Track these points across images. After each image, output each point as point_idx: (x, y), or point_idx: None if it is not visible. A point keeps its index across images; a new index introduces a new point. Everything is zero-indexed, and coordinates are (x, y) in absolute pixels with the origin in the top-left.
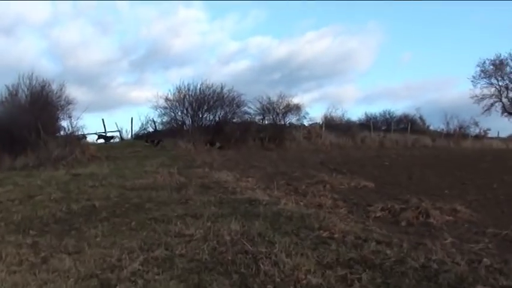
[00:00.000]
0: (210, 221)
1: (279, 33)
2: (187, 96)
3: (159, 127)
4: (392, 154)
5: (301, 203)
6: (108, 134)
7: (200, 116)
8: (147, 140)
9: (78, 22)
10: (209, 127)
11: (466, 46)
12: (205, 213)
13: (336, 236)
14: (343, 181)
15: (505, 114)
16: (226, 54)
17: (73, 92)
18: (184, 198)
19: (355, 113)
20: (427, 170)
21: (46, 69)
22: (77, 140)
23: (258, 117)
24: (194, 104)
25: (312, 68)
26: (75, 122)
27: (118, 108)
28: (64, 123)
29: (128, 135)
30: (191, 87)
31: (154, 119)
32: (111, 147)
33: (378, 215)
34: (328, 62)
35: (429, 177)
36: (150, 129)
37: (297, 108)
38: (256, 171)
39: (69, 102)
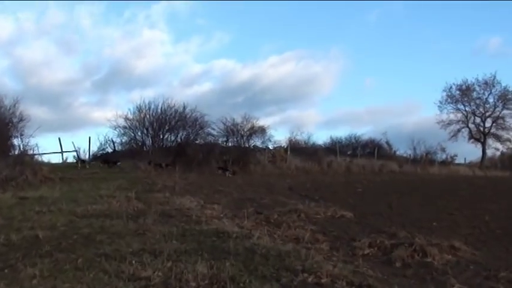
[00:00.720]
0: (171, 259)
1: (242, 56)
2: (147, 116)
3: (119, 148)
4: (362, 180)
5: (276, 236)
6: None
7: (161, 136)
8: (103, 161)
9: (42, 41)
10: (170, 148)
11: (428, 72)
12: (165, 249)
13: (323, 280)
14: (318, 210)
15: (472, 140)
16: (189, 76)
17: (34, 111)
18: (142, 228)
19: (319, 137)
20: (405, 198)
21: (7, 87)
22: (29, 159)
23: (221, 139)
24: (155, 124)
25: (274, 91)
26: (27, 141)
27: (80, 128)
28: (16, 141)
29: (85, 156)
30: (152, 106)
31: (114, 139)
32: (67, 168)
33: (366, 252)
34: (291, 86)
35: (410, 207)
36: (109, 150)
37: (262, 130)
38: (222, 196)
39: (22, 119)
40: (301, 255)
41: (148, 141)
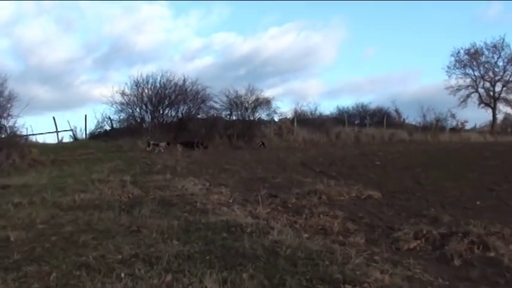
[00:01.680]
0: (171, 270)
1: (243, 29)
2: (146, 91)
3: (117, 125)
4: (377, 151)
5: (298, 226)
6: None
7: (161, 112)
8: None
9: (41, 20)
10: (171, 124)
11: (428, 40)
12: (164, 254)
13: None
14: (340, 190)
15: (482, 105)
16: (190, 50)
17: (36, 91)
18: (136, 223)
19: (324, 107)
20: (431, 171)
21: (8, 68)
22: (17, 141)
23: (224, 113)
24: (154, 99)
25: (276, 63)
26: (14, 121)
27: (82, 106)
28: (5, 122)
29: (82, 135)
30: (150, 80)
31: (111, 117)
32: (62, 148)
33: (412, 245)
34: (292, 57)
35: (440, 181)
36: (107, 127)
37: (267, 102)
38: (229, 176)
39: (11, 98)
40: (336, 257)
41: (148, 118)
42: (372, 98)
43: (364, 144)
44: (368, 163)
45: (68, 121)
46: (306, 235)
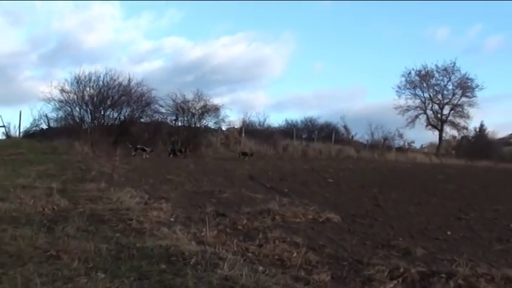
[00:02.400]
0: None
1: (194, 35)
2: (87, 89)
3: (54, 124)
4: (328, 167)
5: (251, 255)
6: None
7: (102, 113)
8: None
9: None
10: (112, 127)
11: (375, 59)
12: None
13: None
14: (295, 211)
15: (429, 127)
16: (139, 53)
17: None
18: (56, 247)
19: (274, 119)
20: (388, 192)
21: None
22: None
23: (170, 118)
24: (95, 99)
25: (225, 72)
26: None
27: (24, 103)
28: None
29: (15, 133)
30: (93, 78)
31: (48, 115)
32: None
33: (389, 286)
34: (241, 67)
35: (401, 205)
36: (44, 126)
37: (216, 109)
38: (171, 188)
39: None
40: None
41: (88, 118)
42: (318, 113)
43: (312, 159)
44: (320, 180)
45: (0, 116)
46: (261, 267)
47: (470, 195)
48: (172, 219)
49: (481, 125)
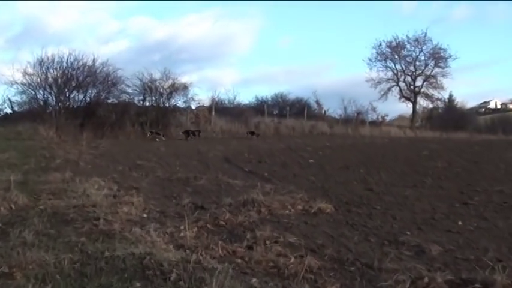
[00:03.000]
0: None
1: (160, 14)
2: (51, 71)
3: (18, 108)
4: (305, 146)
5: (239, 261)
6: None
7: (67, 95)
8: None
9: None
10: (78, 109)
11: (343, 33)
12: None
13: None
14: (282, 200)
15: (403, 99)
16: (106, 33)
17: None
18: (9, 261)
19: (244, 96)
20: (380, 174)
21: None
22: None
23: (137, 98)
24: (59, 80)
25: (192, 50)
26: None
27: None
28: None
29: None
30: (56, 59)
31: (11, 99)
32: None
33: None
34: (208, 45)
35: (396, 189)
36: (8, 111)
37: (184, 88)
38: (142, 175)
39: None
40: None
41: (52, 101)
42: (288, 89)
43: (286, 137)
44: (300, 160)
45: None
46: (255, 279)
47: (465, 173)
48: (145, 215)
49: (450, 96)
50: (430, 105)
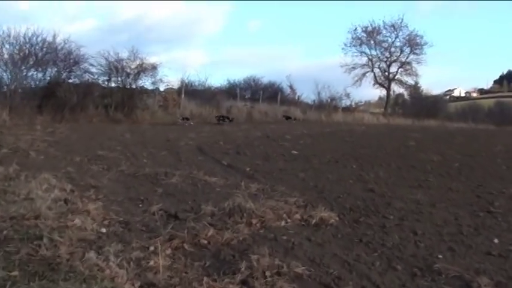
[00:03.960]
0: None
1: None
2: (7, 46)
3: None
4: (284, 134)
5: None
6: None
7: (24, 73)
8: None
9: None
10: (37, 89)
11: (314, 15)
12: None
13: None
14: (276, 207)
15: (376, 85)
16: (72, 12)
17: None
18: None
19: (216, 79)
20: (375, 170)
21: None
22: None
23: (102, 79)
24: (16, 57)
25: (160, 30)
26: None
27: None
28: None
29: None
30: (12, 34)
31: None
32: None
33: None
34: (177, 25)
35: (399, 189)
36: None
37: (153, 68)
38: (103, 169)
39: None
40: None
41: (7, 79)
42: (258, 72)
43: (259, 122)
44: (283, 152)
45: None
46: None
47: (467, 170)
48: (103, 230)
49: (416, 83)
50: (404, 92)
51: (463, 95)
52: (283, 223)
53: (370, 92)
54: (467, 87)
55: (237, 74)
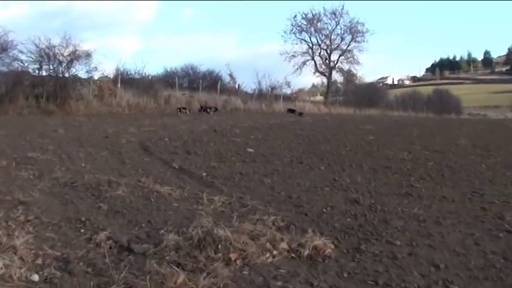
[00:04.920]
0: None
1: None
2: None
3: None
4: (231, 128)
5: None
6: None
7: None
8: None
9: None
10: None
11: (248, 4)
12: None
13: None
14: (254, 233)
15: (317, 74)
16: None
17: None
18: None
19: (153, 68)
20: (346, 171)
21: None
22: None
23: (32, 67)
24: None
25: (92, 17)
26: None
27: None
28: None
29: None
30: None
31: None
32: None
33: None
34: (109, 12)
35: (387, 199)
36: None
37: (87, 55)
38: (33, 178)
39: None
40: None
41: None
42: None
43: (201, 113)
44: (238, 150)
45: None
46: None
47: (449, 172)
48: (35, 278)
49: (349, 70)
50: (344, 81)
51: (395, 82)
52: (269, 258)
53: (311, 81)
54: (400, 75)
55: (174, 62)
